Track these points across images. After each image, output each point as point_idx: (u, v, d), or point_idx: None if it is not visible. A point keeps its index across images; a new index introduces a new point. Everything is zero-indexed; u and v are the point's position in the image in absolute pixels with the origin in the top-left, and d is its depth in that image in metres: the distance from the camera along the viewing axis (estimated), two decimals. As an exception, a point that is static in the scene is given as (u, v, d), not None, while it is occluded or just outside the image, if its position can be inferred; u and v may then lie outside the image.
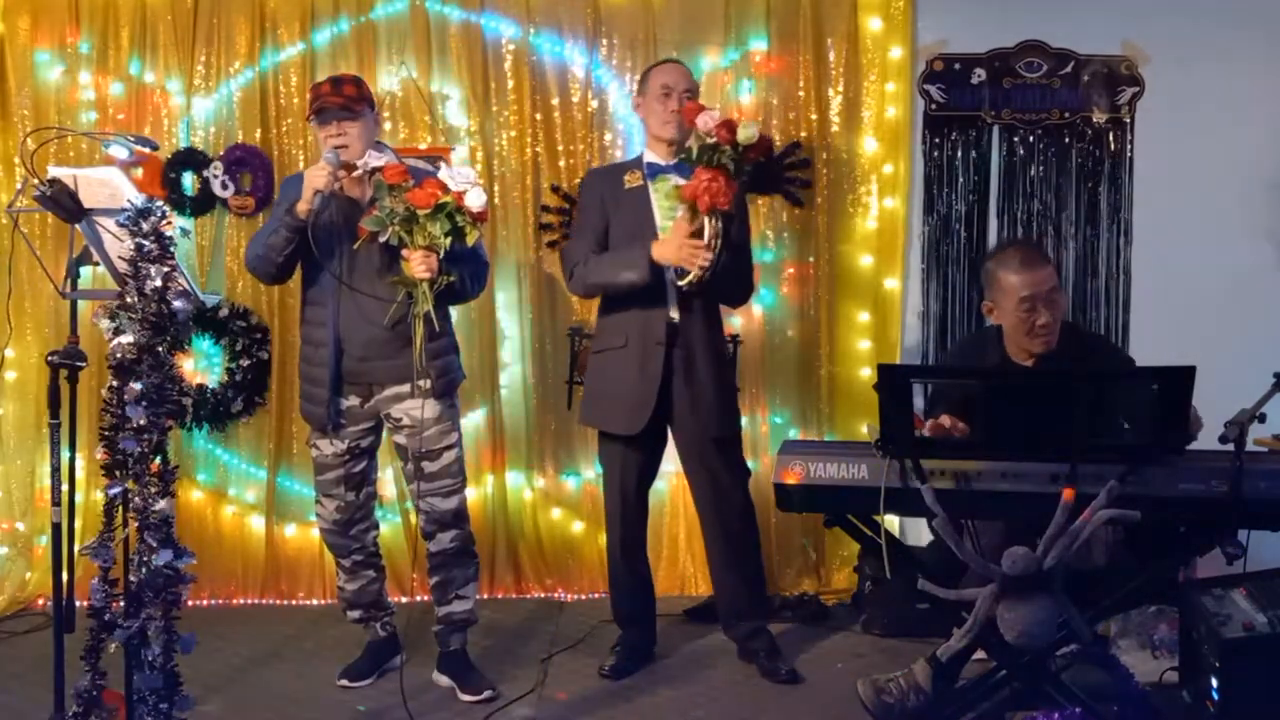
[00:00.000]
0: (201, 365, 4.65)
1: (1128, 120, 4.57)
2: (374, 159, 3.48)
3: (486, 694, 3.62)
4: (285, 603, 4.64)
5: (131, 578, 2.61)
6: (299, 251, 3.51)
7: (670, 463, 4.07)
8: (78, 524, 3.33)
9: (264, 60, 4.56)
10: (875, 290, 4.62)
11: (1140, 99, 4.55)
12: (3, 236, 4.22)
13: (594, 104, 4.59)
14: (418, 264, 3.35)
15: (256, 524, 4.68)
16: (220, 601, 4.63)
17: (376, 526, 3.85)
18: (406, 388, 3.54)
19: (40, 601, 4.55)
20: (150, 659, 2.59)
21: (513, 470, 4.68)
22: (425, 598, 4.29)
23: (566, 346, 4.41)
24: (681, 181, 3.60)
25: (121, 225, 2.62)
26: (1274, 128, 4.49)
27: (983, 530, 3.34)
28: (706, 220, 3.49)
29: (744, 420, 4.29)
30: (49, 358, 2.95)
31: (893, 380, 3.03)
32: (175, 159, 4.57)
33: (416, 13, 4.56)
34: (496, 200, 4.56)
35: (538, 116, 4.58)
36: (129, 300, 2.61)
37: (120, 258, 2.73)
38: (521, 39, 4.58)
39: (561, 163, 4.60)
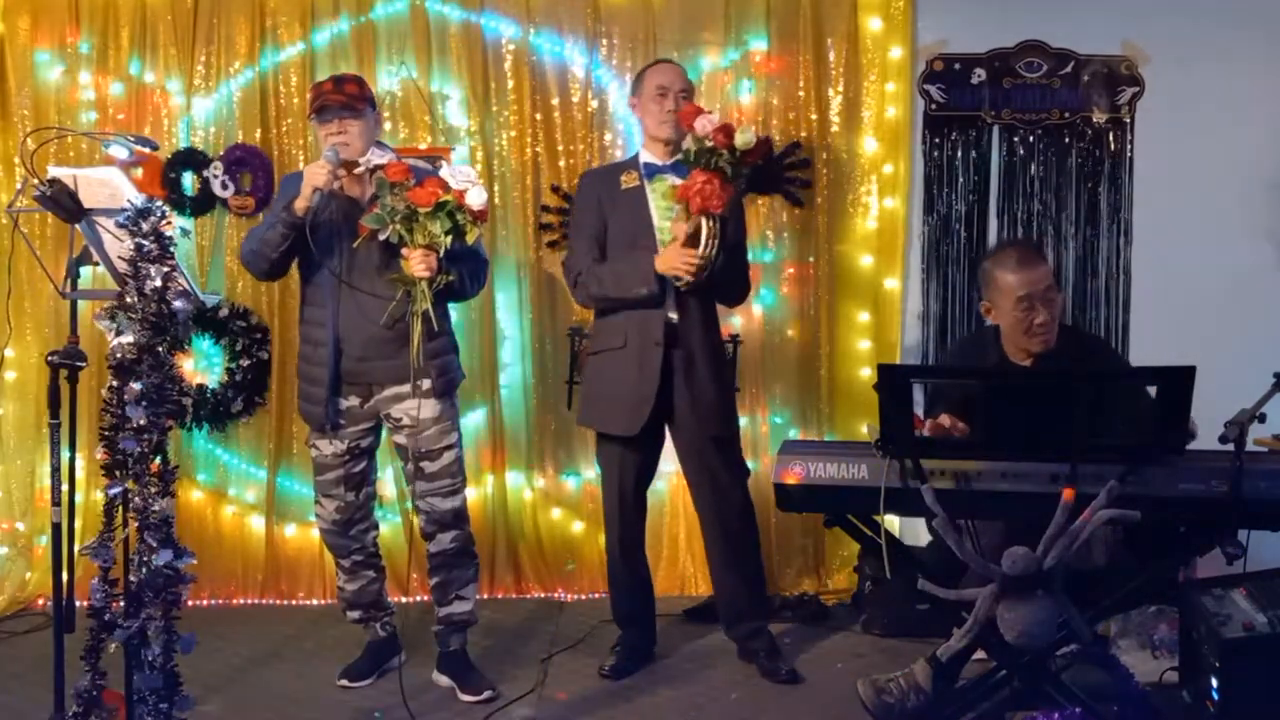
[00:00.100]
0: (201, 365, 4.65)
1: (1128, 120, 4.57)
2: (376, 157, 3.48)
3: (486, 694, 3.62)
4: (285, 603, 4.64)
5: (131, 578, 2.61)
6: (295, 249, 3.51)
7: (669, 463, 4.07)
8: (78, 524, 3.33)
9: (264, 60, 4.57)
10: (875, 290, 4.62)
11: (1140, 99, 4.55)
12: (3, 236, 4.22)
13: (594, 104, 4.59)
14: (417, 263, 3.35)
15: (256, 524, 4.68)
16: (220, 601, 4.63)
17: (376, 527, 3.85)
18: (406, 388, 3.54)
19: (40, 601, 4.55)
20: (150, 659, 2.59)
21: (513, 470, 4.68)
22: (425, 598, 4.30)
23: (566, 346, 4.41)
24: (679, 182, 3.60)
25: (121, 225, 2.62)
26: (1274, 128, 4.49)
27: (983, 530, 3.34)
28: (702, 221, 3.49)
29: (744, 420, 4.30)
30: (49, 358, 2.95)
31: (893, 380, 3.03)
32: (175, 159, 4.57)
33: (416, 13, 4.56)
34: (496, 200, 4.56)
35: (538, 116, 4.58)
36: (129, 300, 2.61)
37: (120, 258, 2.72)
38: (521, 39, 4.58)
39: (561, 163, 4.60)
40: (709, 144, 3.46)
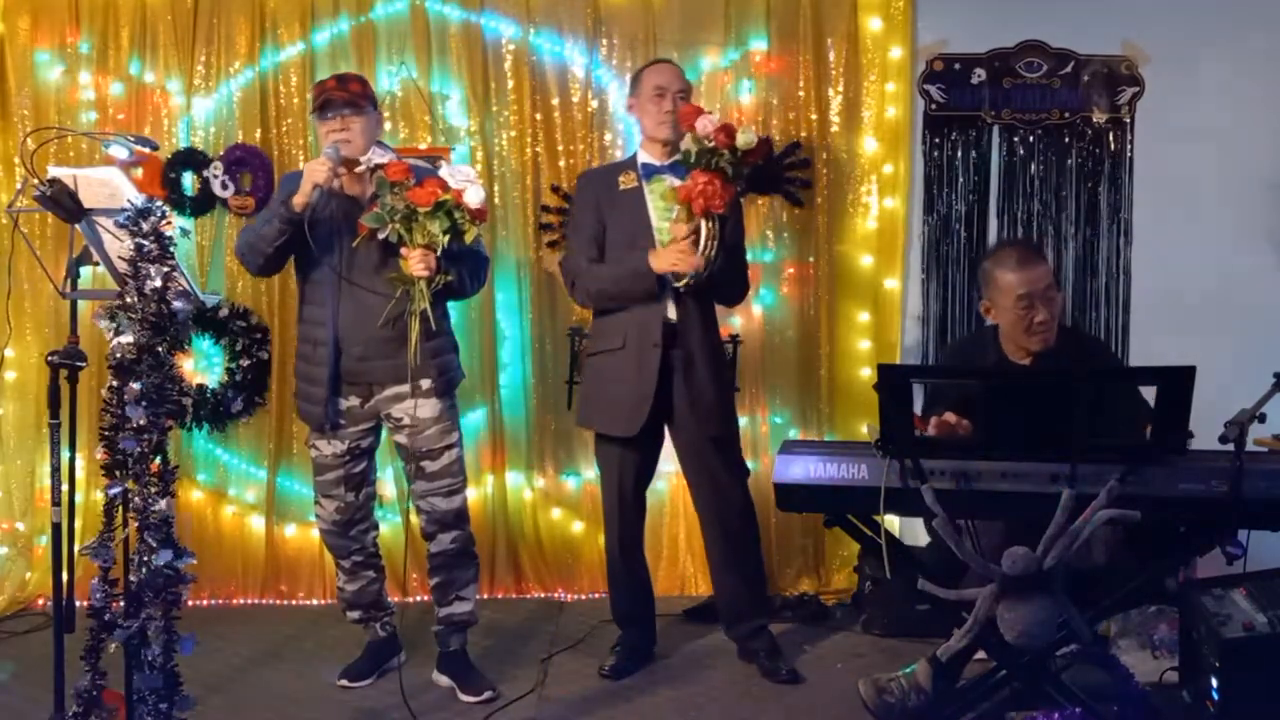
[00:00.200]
0: (201, 365, 4.65)
1: (1128, 120, 4.57)
2: (377, 156, 3.48)
3: (487, 694, 3.62)
4: (285, 603, 4.64)
5: (131, 578, 2.61)
6: (291, 246, 3.50)
7: (669, 463, 4.07)
8: (78, 524, 3.33)
9: (264, 60, 4.56)
10: (875, 290, 4.62)
11: (1140, 99, 4.55)
12: (3, 236, 4.22)
13: (594, 104, 4.59)
14: (416, 262, 3.35)
15: (256, 524, 4.68)
16: (220, 601, 4.63)
17: (376, 527, 3.85)
18: (407, 388, 3.54)
19: (40, 601, 4.55)
20: (150, 659, 2.59)
21: (513, 470, 4.68)
22: (425, 598, 4.30)
23: (566, 346, 4.41)
24: (677, 182, 3.60)
25: (121, 225, 2.63)
26: (1274, 128, 4.49)
27: (983, 530, 3.34)
28: (702, 222, 3.49)
29: (744, 420, 4.30)
30: (49, 358, 2.95)
31: (893, 380, 3.03)
32: (175, 159, 4.57)
33: (416, 13, 4.56)
34: (496, 200, 4.56)
35: (538, 116, 4.58)
36: (129, 300, 2.61)
37: (120, 258, 2.73)
38: (521, 39, 4.58)
39: (561, 163, 4.60)
40: (710, 144, 3.46)
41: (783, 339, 4.63)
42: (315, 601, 4.62)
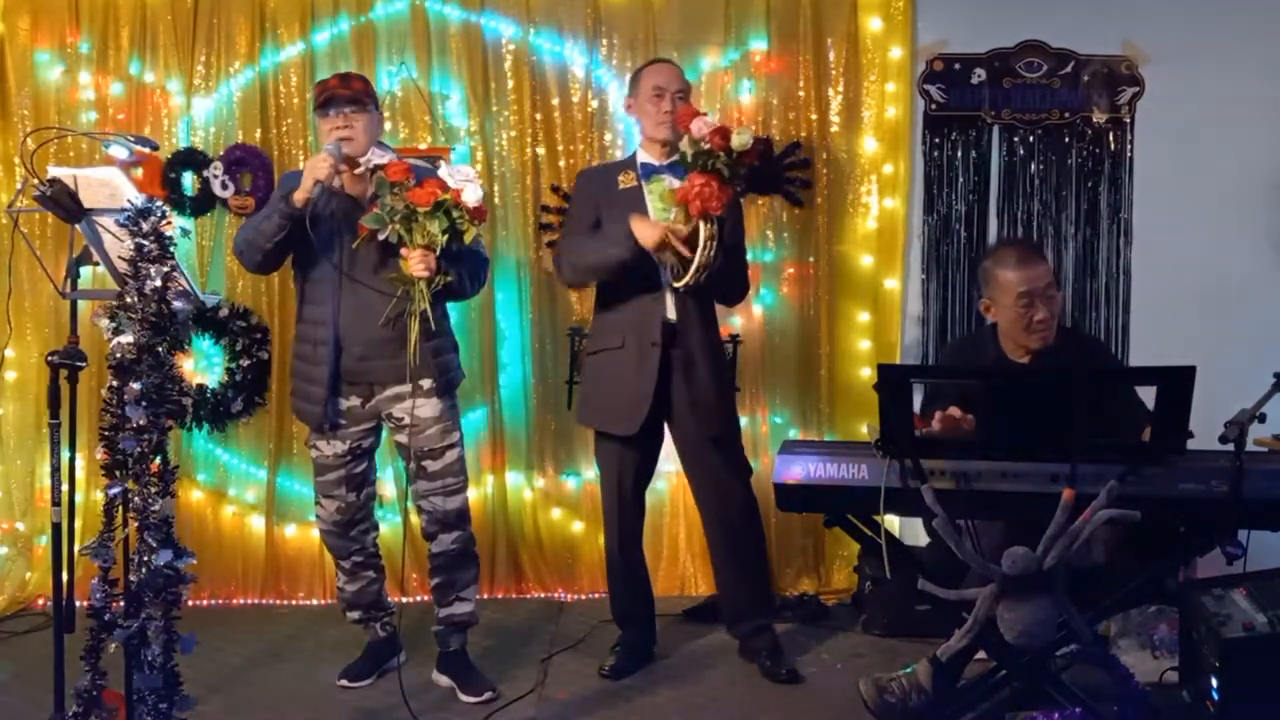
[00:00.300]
0: (201, 365, 4.65)
1: (1128, 120, 4.57)
2: (378, 156, 3.48)
3: (487, 695, 3.61)
4: (285, 603, 4.64)
5: (131, 578, 2.61)
6: (290, 243, 3.50)
7: (669, 462, 4.07)
8: (78, 524, 3.33)
9: (264, 60, 4.57)
10: (875, 290, 4.62)
11: (1140, 99, 4.55)
12: (3, 236, 4.22)
13: (594, 104, 4.59)
14: (416, 263, 3.35)
15: (256, 524, 4.68)
16: (220, 601, 4.63)
17: (376, 527, 3.85)
18: (408, 387, 3.54)
19: (40, 601, 4.55)
20: (150, 659, 2.59)
21: (513, 470, 4.68)
22: (425, 598, 4.29)
23: (566, 346, 4.41)
24: (676, 182, 3.60)
25: (121, 225, 2.63)
26: (1274, 128, 4.49)
27: (983, 530, 3.34)
28: (701, 224, 3.49)
29: (744, 420, 4.29)
30: (49, 358, 2.95)
31: (893, 380, 3.03)
32: (175, 159, 4.57)
33: (416, 13, 4.56)
34: (496, 200, 4.56)
35: (538, 116, 4.58)
36: (129, 300, 2.61)
37: (120, 258, 2.73)
38: (521, 39, 4.58)
39: (561, 163, 4.60)
40: (705, 146, 3.46)
41: (783, 339, 4.63)
42: (315, 601, 4.62)
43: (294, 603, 4.63)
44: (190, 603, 3.23)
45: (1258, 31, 4.49)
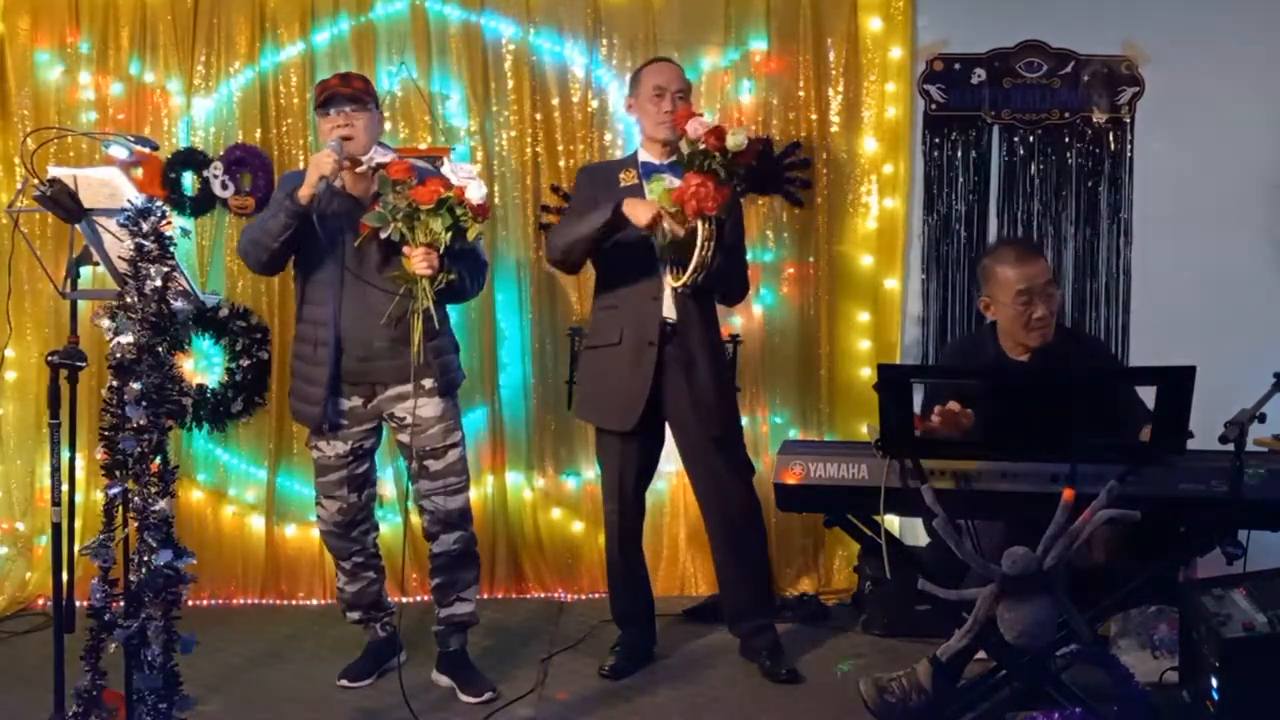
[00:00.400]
0: (201, 365, 4.65)
1: (1128, 120, 4.57)
2: (380, 155, 3.48)
3: (487, 695, 3.61)
4: (285, 603, 4.64)
5: (131, 578, 2.61)
6: (295, 242, 3.50)
7: (670, 462, 4.07)
8: (78, 524, 3.33)
9: (264, 60, 4.57)
10: (875, 290, 4.62)
11: (1140, 99, 4.55)
12: (3, 236, 4.22)
13: (594, 104, 4.59)
14: (419, 261, 3.35)
15: (256, 524, 4.68)
16: (220, 601, 4.63)
17: (376, 528, 3.85)
18: (409, 387, 3.53)
19: (40, 601, 4.55)
20: (150, 659, 2.59)
21: (513, 470, 4.68)
22: (425, 598, 4.29)
23: (566, 346, 4.41)
24: (676, 182, 3.60)
25: (121, 225, 2.62)
26: (1274, 128, 4.49)
27: (983, 530, 3.34)
28: (699, 224, 3.49)
29: (744, 420, 4.29)
30: (49, 358, 2.95)
31: (893, 380, 3.03)
32: (175, 159, 4.57)
33: (416, 13, 4.56)
34: (496, 200, 4.56)
35: (538, 116, 4.58)
36: (129, 300, 2.61)
37: (120, 258, 2.72)
38: (521, 39, 4.58)
39: (561, 163, 4.60)
40: (701, 147, 3.46)
41: (783, 339, 4.63)
42: (315, 601, 4.62)
43: (294, 603, 4.63)
44: (190, 603, 3.23)
45: (1258, 31, 4.49)
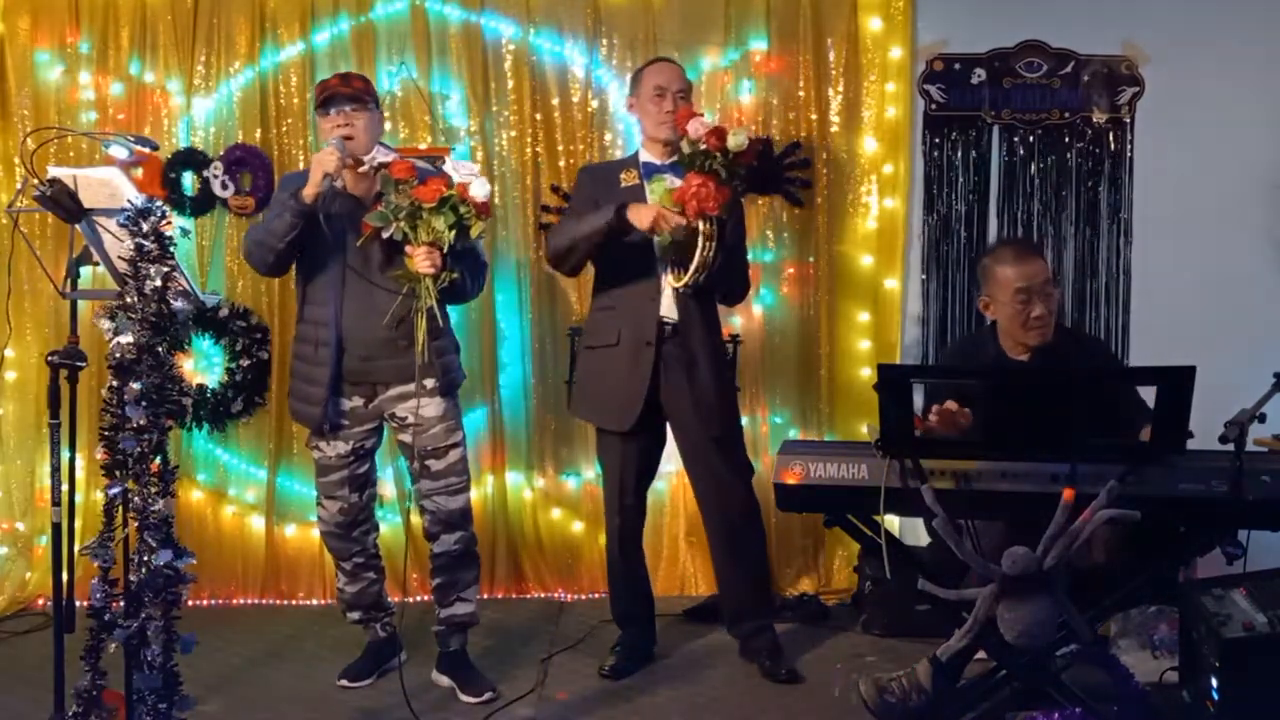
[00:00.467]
0: (201, 365, 4.65)
1: (1128, 120, 4.57)
2: (380, 155, 3.48)
3: (487, 695, 3.61)
4: (285, 603, 4.64)
5: (131, 578, 2.61)
6: (299, 244, 3.50)
7: (670, 462, 4.07)
8: (78, 524, 3.32)
9: (264, 60, 4.56)
10: (875, 290, 4.62)
11: (1140, 99, 4.55)
12: (3, 236, 4.22)
13: (594, 104, 4.59)
14: (421, 259, 3.35)
15: (256, 524, 4.68)
16: (220, 601, 4.63)
17: (377, 528, 3.85)
18: (411, 387, 3.53)
19: (40, 601, 4.54)
20: (150, 659, 2.59)
21: (513, 470, 4.68)
22: (425, 598, 4.29)
23: (566, 346, 4.41)
24: (677, 182, 3.60)
25: (121, 225, 2.62)
26: (1274, 128, 4.49)
27: (983, 530, 3.34)
28: (700, 224, 3.50)
29: (744, 420, 4.29)
30: (49, 358, 2.95)
31: (893, 380, 3.03)
32: (175, 159, 4.57)
33: (416, 13, 4.56)
34: (497, 200, 4.55)
35: (538, 116, 4.58)
36: (129, 300, 2.61)
37: (120, 258, 2.73)
38: (521, 39, 4.58)
39: (561, 163, 4.60)
40: (702, 147, 3.46)
41: (783, 339, 4.63)
42: (315, 601, 4.62)
43: (294, 603, 4.63)
44: (190, 603, 3.23)
45: (1258, 31, 4.49)
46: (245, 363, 4.58)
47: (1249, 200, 4.50)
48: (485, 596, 4.44)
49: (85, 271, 3.12)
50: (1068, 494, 2.80)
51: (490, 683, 3.67)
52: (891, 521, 3.76)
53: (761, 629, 3.89)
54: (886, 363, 4.12)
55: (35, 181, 2.83)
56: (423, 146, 4.51)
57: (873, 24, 4.55)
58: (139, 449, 2.58)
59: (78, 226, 2.87)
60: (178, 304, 2.64)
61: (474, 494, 3.85)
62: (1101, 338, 4.50)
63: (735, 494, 3.82)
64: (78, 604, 3.05)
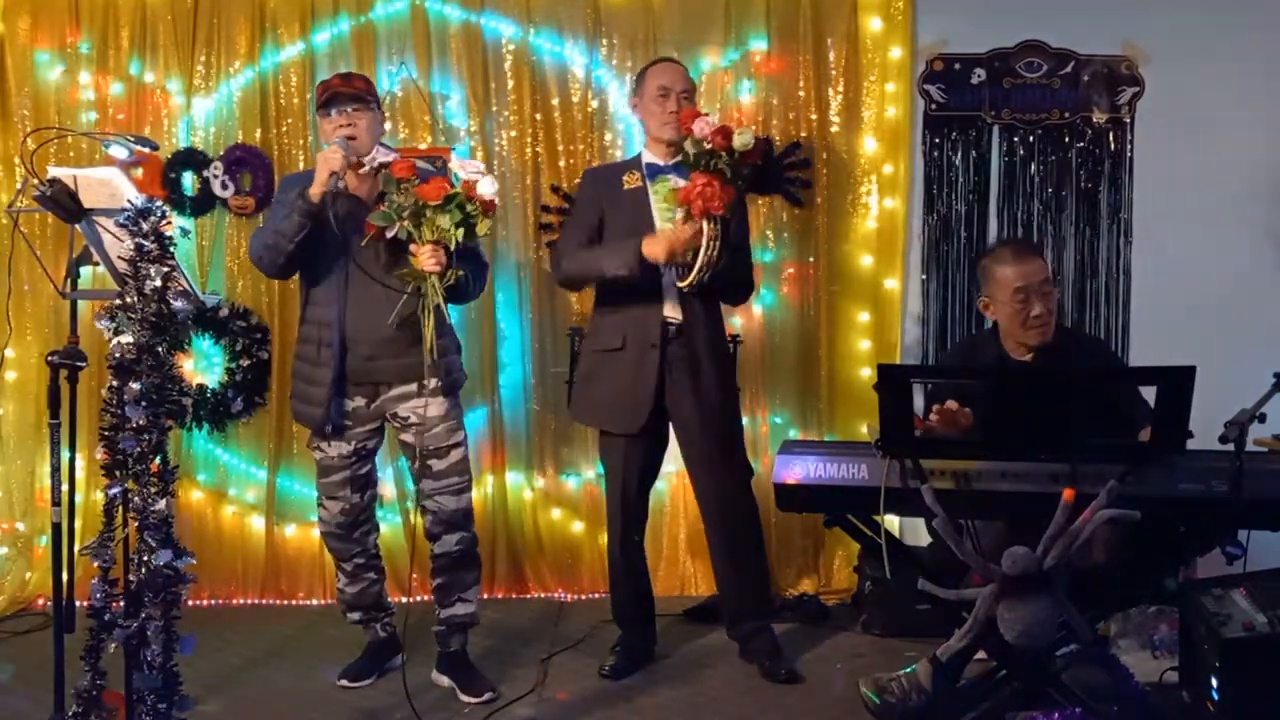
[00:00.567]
0: (201, 365, 4.65)
1: (1128, 120, 4.57)
2: (381, 155, 3.48)
3: (487, 695, 3.61)
4: (285, 603, 4.64)
5: (131, 578, 2.61)
6: (307, 242, 3.49)
7: (670, 463, 4.06)
8: (78, 524, 3.33)
9: (264, 60, 4.57)
10: (875, 290, 4.62)
11: (1140, 99, 4.55)
12: (3, 236, 4.22)
13: (594, 104, 4.59)
14: (426, 258, 3.35)
15: (256, 524, 4.68)
16: (220, 601, 4.63)
17: (377, 529, 3.85)
18: (414, 387, 3.53)
19: (40, 601, 4.55)
20: (150, 659, 2.59)
21: (513, 470, 4.68)
22: (425, 598, 4.30)
23: (566, 346, 4.41)
24: (681, 182, 3.60)
25: (121, 225, 2.62)
26: (1274, 128, 4.49)
27: (983, 530, 3.34)
28: (704, 223, 3.50)
29: (744, 420, 4.29)
30: (49, 358, 2.95)
31: (893, 380, 3.03)
32: (175, 159, 4.57)
33: (416, 13, 4.56)
34: (497, 200, 4.55)
35: (538, 116, 4.58)
36: (129, 300, 2.61)
37: (120, 258, 2.72)
38: (521, 39, 4.58)
39: (561, 163, 4.60)
40: (707, 146, 3.47)
41: (783, 339, 4.63)
42: (315, 601, 4.62)
43: (294, 603, 4.63)
44: (190, 603, 3.23)
45: (1258, 31, 4.49)
46: (245, 363, 4.58)
47: (1249, 200, 4.50)
48: (485, 596, 4.43)
49: (85, 271, 3.12)
50: (1068, 494, 2.80)
51: (490, 683, 3.67)
52: (891, 521, 3.76)
53: (761, 629, 3.89)
54: (886, 363, 4.11)
55: (35, 181, 2.83)
56: (423, 146, 4.52)
57: (873, 24, 4.55)
58: (139, 449, 2.58)
59: (78, 226, 2.87)
60: (178, 304, 2.63)
61: (474, 494, 3.85)
62: (1101, 338, 4.50)
63: (736, 495, 3.82)
64: (78, 604, 3.05)
